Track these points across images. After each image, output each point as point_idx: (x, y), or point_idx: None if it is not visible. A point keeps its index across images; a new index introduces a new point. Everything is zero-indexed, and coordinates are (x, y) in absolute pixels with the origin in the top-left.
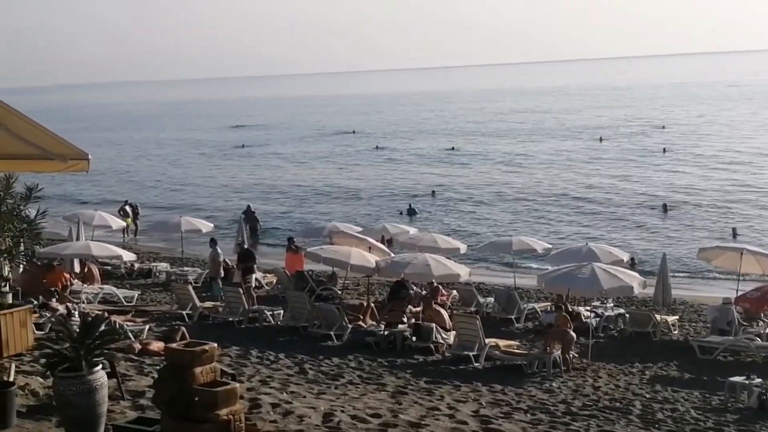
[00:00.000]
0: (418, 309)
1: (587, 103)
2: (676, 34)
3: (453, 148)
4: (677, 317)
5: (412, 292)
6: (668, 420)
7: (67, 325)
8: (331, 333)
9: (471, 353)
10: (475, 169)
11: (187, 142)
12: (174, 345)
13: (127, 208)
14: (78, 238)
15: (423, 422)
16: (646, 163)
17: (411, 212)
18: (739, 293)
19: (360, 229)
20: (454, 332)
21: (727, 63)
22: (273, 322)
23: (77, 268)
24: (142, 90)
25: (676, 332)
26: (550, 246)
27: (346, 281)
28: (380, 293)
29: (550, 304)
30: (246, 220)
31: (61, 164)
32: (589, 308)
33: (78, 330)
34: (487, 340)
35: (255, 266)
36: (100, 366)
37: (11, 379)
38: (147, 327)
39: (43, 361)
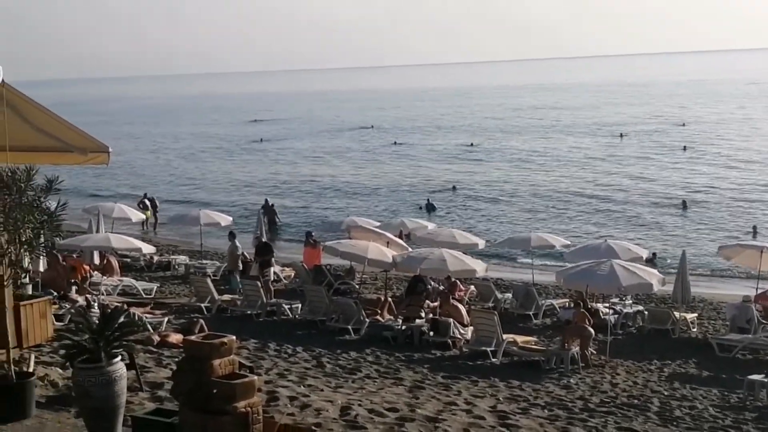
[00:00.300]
0: (436, 304)
1: (606, 99)
2: (696, 31)
3: (472, 144)
4: (696, 315)
5: (429, 287)
6: (686, 417)
7: (86, 316)
8: (349, 327)
9: (488, 349)
10: (494, 165)
11: (203, 137)
12: (193, 337)
13: (146, 201)
14: (98, 231)
15: (440, 417)
16: (666, 161)
17: (429, 207)
18: (759, 291)
19: (378, 223)
20: (471, 327)
21: (746, 60)
22: (291, 315)
23: (97, 260)
24: (162, 84)
25: (695, 330)
26: (569, 242)
27: (364, 276)
28: (398, 288)
29: (568, 300)
30: (264, 213)
31: (81, 157)
32: (607, 305)
33: (97, 321)
34: (504, 336)
35: (273, 260)
36: (119, 357)
37: (31, 369)
38: (166, 319)
39: (62, 352)
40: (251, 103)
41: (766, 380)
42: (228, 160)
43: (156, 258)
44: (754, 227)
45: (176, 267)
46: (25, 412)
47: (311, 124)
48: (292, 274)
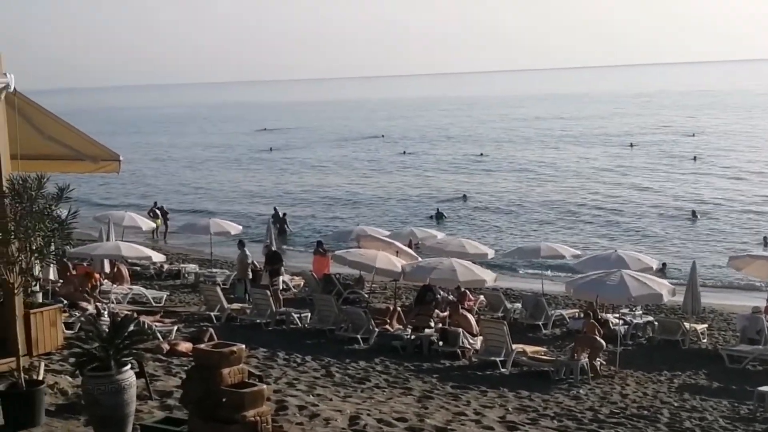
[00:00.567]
0: (445, 314)
1: (614, 110)
2: (704, 42)
3: (481, 154)
4: (706, 325)
5: (439, 296)
6: (696, 429)
7: (96, 324)
8: (358, 336)
9: (498, 359)
10: (503, 175)
11: (212, 146)
12: (202, 346)
13: (157, 209)
14: (108, 239)
15: (449, 427)
16: (676, 171)
17: (439, 217)
18: None
19: (388, 233)
20: (480, 337)
21: (757, 71)
22: (300, 324)
23: (107, 269)
24: (173, 92)
25: (705, 341)
26: (579, 252)
27: (373, 285)
28: (407, 297)
29: (577, 310)
30: (274, 222)
31: (92, 165)
32: (617, 315)
33: (107, 330)
34: (514, 346)
35: (282, 268)
36: (129, 366)
37: (40, 377)
38: (175, 328)
39: (72, 360)
40: (261, 112)
41: None
42: (237, 170)
43: (166, 266)
44: (765, 238)
45: (186, 276)
46: (35, 420)
47: (321, 133)
48: (302, 283)
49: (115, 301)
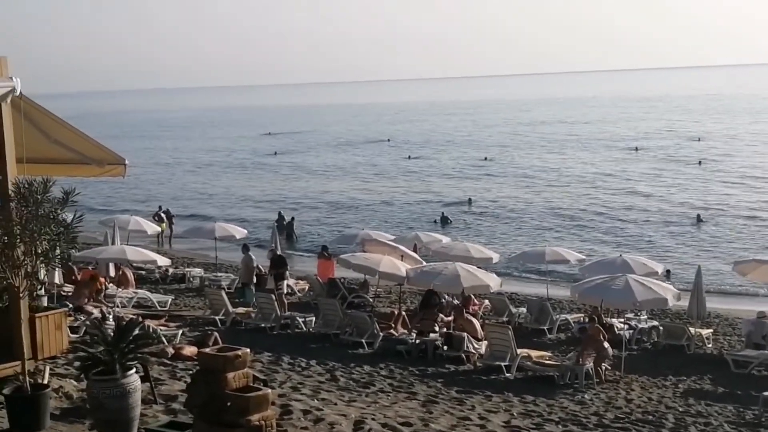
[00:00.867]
0: (450, 318)
1: (619, 114)
2: (710, 46)
3: (486, 158)
4: (711, 330)
5: (444, 301)
6: None
7: (101, 328)
8: (363, 341)
9: (503, 363)
10: (508, 180)
11: (216, 150)
12: (207, 350)
13: (162, 213)
14: (113, 243)
15: None
16: (682, 175)
17: (444, 221)
18: None
19: (392, 237)
20: (485, 342)
21: (763, 75)
22: (305, 328)
23: (112, 272)
24: (179, 96)
25: (710, 345)
26: (584, 257)
27: (378, 289)
28: (412, 302)
29: (582, 315)
30: (279, 226)
31: (98, 169)
32: (622, 320)
33: (112, 334)
34: (518, 351)
35: (287, 272)
36: (134, 370)
37: (45, 381)
38: (180, 332)
39: (77, 364)
40: (266, 116)
41: None
42: (241, 174)
43: (171, 270)
44: None
45: (191, 279)
46: (40, 423)
47: (327, 137)
48: (306, 287)
49: (120, 305)
